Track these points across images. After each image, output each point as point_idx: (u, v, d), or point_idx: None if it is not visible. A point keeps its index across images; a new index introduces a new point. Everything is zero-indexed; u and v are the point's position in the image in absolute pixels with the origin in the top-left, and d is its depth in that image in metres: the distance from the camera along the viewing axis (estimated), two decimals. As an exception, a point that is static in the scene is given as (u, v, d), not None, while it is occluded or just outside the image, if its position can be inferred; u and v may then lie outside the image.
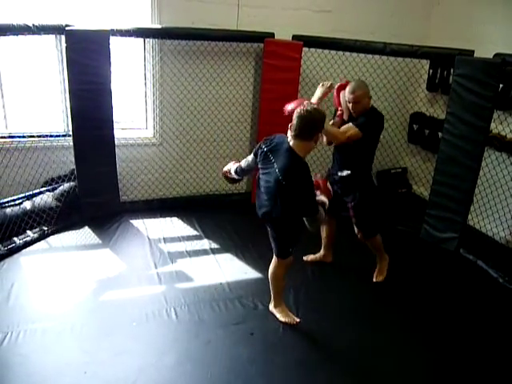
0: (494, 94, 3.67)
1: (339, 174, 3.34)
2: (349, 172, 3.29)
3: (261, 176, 2.80)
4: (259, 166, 2.77)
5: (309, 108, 2.50)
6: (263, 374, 2.63)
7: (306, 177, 2.56)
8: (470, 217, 4.21)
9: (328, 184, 2.83)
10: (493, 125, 3.91)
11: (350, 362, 2.79)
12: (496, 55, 3.72)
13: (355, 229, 3.48)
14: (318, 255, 3.87)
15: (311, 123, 2.50)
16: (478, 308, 3.42)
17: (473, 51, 3.89)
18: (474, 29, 4.49)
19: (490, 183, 4.24)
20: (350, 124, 3.11)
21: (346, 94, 3.13)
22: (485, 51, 3.83)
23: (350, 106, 3.15)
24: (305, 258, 3.85)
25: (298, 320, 3.02)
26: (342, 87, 3.24)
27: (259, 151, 2.78)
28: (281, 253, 2.94)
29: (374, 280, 3.59)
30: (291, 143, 2.59)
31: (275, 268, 3.00)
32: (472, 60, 3.81)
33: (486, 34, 4.34)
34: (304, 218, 2.70)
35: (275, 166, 2.61)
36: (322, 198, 2.69)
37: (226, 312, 3.14)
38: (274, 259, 3.00)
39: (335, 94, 3.30)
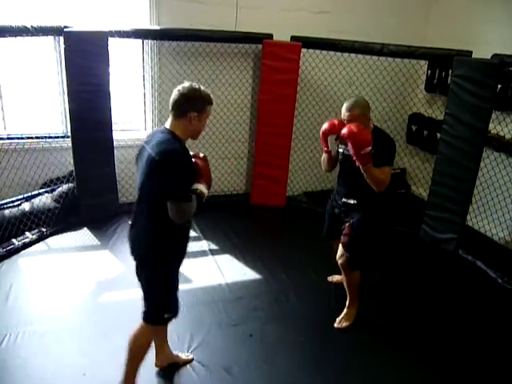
0: (493, 94, 3.68)
1: (344, 200, 2.96)
2: (355, 201, 2.91)
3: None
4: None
5: (186, 84, 2.09)
6: (262, 376, 2.63)
7: (175, 157, 2.01)
8: (468, 217, 4.21)
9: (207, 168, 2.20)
10: (491, 125, 3.92)
11: (350, 362, 2.79)
12: (494, 56, 3.73)
13: (339, 251, 2.97)
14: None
15: (183, 99, 2.07)
16: (477, 308, 3.42)
17: (471, 52, 3.89)
18: (472, 29, 4.50)
19: (488, 184, 4.25)
20: (381, 168, 2.70)
21: (342, 111, 2.77)
22: (483, 52, 3.83)
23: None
24: (329, 279, 3.60)
25: None
26: (328, 130, 2.84)
27: None
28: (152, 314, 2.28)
29: (337, 326, 3.06)
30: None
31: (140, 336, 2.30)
32: (470, 61, 3.82)
33: (484, 35, 4.35)
34: (168, 203, 2.01)
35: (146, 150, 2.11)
36: (199, 186, 2.10)
37: (225, 313, 3.14)
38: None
39: (321, 136, 2.89)
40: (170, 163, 1.98)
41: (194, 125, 2.09)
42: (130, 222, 2.26)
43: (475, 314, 3.35)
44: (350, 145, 2.63)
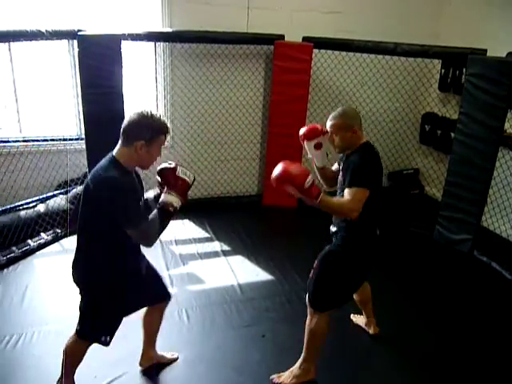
0: (508, 93, 3.62)
1: (331, 227, 2.56)
2: (335, 229, 2.49)
3: None
4: None
5: (138, 110, 2.02)
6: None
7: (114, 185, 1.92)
8: (483, 218, 4.16)
9: (180, 171, 2.11)
10: (507, 124, 3.86)
11: (362, 364, 2.77)
12: (509, 54, 3.69)
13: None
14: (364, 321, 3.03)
15: (131, 126, 2.00)
16: (492, 310, 3.38)
17: (485, 50, 3.85)
18: (486, 27, 4.45)
19: (504, 184, 4.19)
20: (347, 189, 2.23)
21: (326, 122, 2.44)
22: (498, 50, 3.79)
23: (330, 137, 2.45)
24: (354, 320, 3.12)
25: None
26: (304, 136, 2.63)
27: None
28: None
29: (275, 379, 2.55)
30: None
31: None
32: (485, 59, 3.78)
33: (498, 33, 4.30)
34: (128, 231, 1.97)
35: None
36: (167, 196, 2.05)
37: (238, 314, 3.14)
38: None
39: (301, 141, 2.67)
40: (111, 191, 1.89)
41: (140, 154, 1.97)
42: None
43: (491, 315, 3.31)
44: (290, 188, 2.16)
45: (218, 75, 4.62)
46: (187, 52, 4.44)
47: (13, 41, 3.61)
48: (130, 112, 2.01)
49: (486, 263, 3.96)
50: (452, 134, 4.27)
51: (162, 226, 2.04)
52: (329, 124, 2.40)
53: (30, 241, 3.80)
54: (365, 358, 2.84)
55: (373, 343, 2.93)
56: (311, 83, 4.69)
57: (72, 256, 3.78)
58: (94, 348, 2.76)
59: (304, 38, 4.53)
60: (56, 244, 3.93)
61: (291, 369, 2.54)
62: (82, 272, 2.16)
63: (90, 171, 4.14)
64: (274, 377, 2.55)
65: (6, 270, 3.49)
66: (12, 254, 3.61)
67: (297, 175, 2.11)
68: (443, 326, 3.15)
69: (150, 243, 2.04)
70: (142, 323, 2.50)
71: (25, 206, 3.96)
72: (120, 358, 2.66)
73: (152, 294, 2.40)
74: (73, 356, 2.26)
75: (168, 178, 2.09)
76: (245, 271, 3.69)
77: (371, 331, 2.96)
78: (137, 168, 2.13)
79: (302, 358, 2.51)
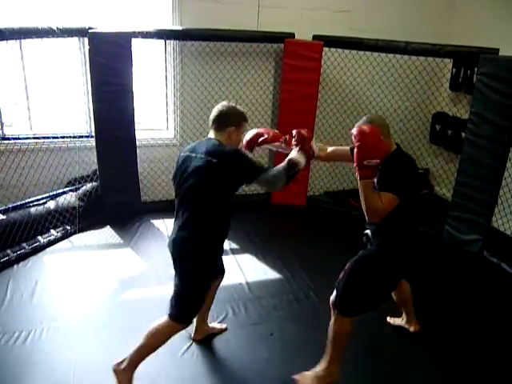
0: (520, 93, 3.60)
1: (366, 231, 2.52)
2: (368, 232, 2.47)
3: None
4: None
5: (224, 103, 2.42)
6: (282, 375, 2.61)
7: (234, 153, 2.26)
8: (494, 218, 4.13)
9: (314, 143, 2.35)
10: (518, 124, 3.83)
11: (370, 363, 2.76)
12: (521, 53, 3.65)
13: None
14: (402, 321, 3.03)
15: (227, 114, 2.36)
16: (502, 311, 3.35)
17: (497, 49, 3.81)
18: (498, 26, 4.40)
19: (514, 184, 4.15)
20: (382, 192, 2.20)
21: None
22: (510, 49, 3.75)
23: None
24: (391, 322, 3.11)
25: None
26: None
27: None
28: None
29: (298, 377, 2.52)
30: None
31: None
32: (497, 58, 3.74)
33: (510, 32, 4.25)
34: (255, 182, 2.28)
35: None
36: (296, 156, 2.29)
37: (246, 312, 3.15)
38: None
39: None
40: (237, 156, 2.25)
41: (232, 138, 2.34)
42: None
43: (500, 316, 3.28)
44: (355, 149, 2.15)
45: (227, 73, 4.62)
46: (197, 50, 4.44)
47: (24, 38, 3.63)
48: (217, 105, 2.41)
49: (496, 264, 3.92)
50: (463, 134, 4.25)
51: (287, 176, 2.25)
52: (354, 131, 2.27)
53: (39, 237, 3.83)
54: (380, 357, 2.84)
55: (381, 340, 2.92)
56: (321, 82, 4.68)
57: (82, 253, 3.82)
58: (105, 342, 2.77)
59: (314, 37, 4.52)
60: (66, 241, 3.95)
61: (314, 370, 2.50)
62: (190, 246, 2.29)
63: (99, 168, 4.22)
64: (297, 376, 2.53)
65: (15, 267, 3.51)
66: (22, 251, 3.64)
67: (377, 149, 2.12)
68: (452, 326, 3.13)
69: (279, 186, 2.28)
70: None
71: (35, 203, 3.99)
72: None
73: (218, 267, 2.63)
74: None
75: (305, 141, 2.34)
76: (253, 269, 3.69)
77: (412, 329, 2.96)
78: None
79: (325, 359, 2.47)
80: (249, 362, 2.70)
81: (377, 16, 4.80)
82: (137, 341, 2.78)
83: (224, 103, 2.40)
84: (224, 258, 3.80)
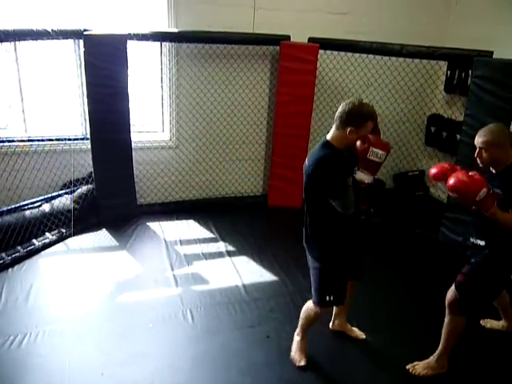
0: (514, 95, 3.61)
1: (472, 240, 2.56)
2: (483, 243, 2.49)
3: None
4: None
5: (351, 99, 2.35)
6: (279, 378, 2.61)
7: (329, 165, 2.26)
8: (489, 220, 4.14)
9: (372, 153, 2.30)
10: (512, 127, 3.85)
11: (365, 364, 2.76)
12: (516, 56, 3.67)
13: (450, 289, 2.63)
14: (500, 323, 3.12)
15: (343, 113, 2.28)
16: (496, 311, 3.36)
17: (492, 52, 3.83)
18: (492, 29, 4.42)
19: (509, 186, 4.17)
20: None
21: (476, 138, 2.49)
22: (504, 52, 3.77)
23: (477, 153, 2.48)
24: (487, 325, 3.16)
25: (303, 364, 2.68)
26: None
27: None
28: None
29: (411, 368, 2.71)
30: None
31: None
32: (491, 61, 3.76)
33: (505, 35, 4.28)
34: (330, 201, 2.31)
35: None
36: (360, 174, 2.34)
37: (242, 314, 3.14)
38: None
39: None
40: (320, 168, 2.26)
41: (350, 138, 2.28)
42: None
43: (495, 317, 3.29)
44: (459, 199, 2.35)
45: (223, 75, 4.62)
46: (193, 52, 4.44)
47: (19, 40, 3.61)
48: (345, 101, 2.33)
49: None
50: (457, 136, 4.26)
51: (357, 198, 2.33)
52: (479, 140, 2.44)
53: (34, 240, 3.81)
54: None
55: (375, 342, 2.92)
56: (317, 84, 4.69)
57: (77, 255, 3.81)
58: (101, 345, 2.77)
59: (310, 39, 4.53)
60: (61, 244, 3.93)
61: (427, 360, 2.69)
62: (314, 244, 2.49)
63: (94, 171, 4.21)
64: (409, 366, 2.70)
65: (10, 270, 3.49)
66: (17, 254, 3.62)
67: (473, 186, 2.25)
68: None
69: (346, 213, 2.30)
70: None
71: (30, 206, 3.98)
72: (126, 357, 2.66)
73: (354, 268, 2.70)
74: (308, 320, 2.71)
75: (360, 159, 2.34)
76: (249, 272, 3.68)
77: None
78: None
79: (438, 352, 2.66)
80: (245, 364, 2.69)
81: (373, 18, 4.82)
82: (132, 344, 2.78)
83: (352, 100, 2.32)
84: (220, 260, 3.85)
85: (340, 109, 2.29)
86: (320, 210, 2.38)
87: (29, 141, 4.15)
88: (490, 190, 2.27)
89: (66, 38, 3.87)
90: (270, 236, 4.39)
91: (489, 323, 3.15)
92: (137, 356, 2.69)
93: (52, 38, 3.68)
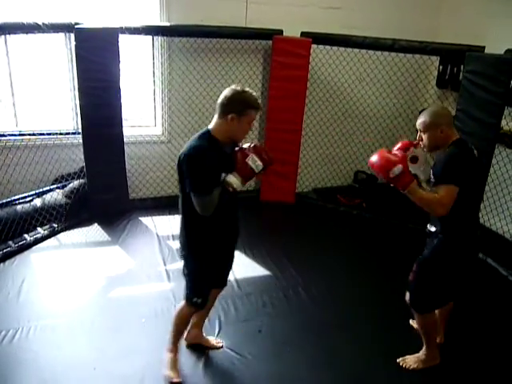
0: (505, 90, 3.62)
1: (428, 226, 2.54)
2: (433, 229, 2.47)
3: None
4: None
5: (233, 87, 2.18)
6: (271, 372, 2.63)
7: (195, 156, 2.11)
8: (480, 214, 4.16)
9: (251, 159, 2.21)
10: (503, 122, 3.87)
11: (356, 358, 2.79)
12: (507, 51, 3.68)
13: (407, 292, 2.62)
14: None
15: (224, 100, 2.14)
16: (487, 305, 3.40)
17: (483, 47, 3.85)
18: (484, 24, 4.44)
19: (500, 180, 4.20)
20: (437, 186, 2.26)
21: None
22: (496, 47, 3.79)
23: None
24: (413, 325, 3.06)
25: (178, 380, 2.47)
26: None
27: None
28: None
29: (401, 362, 2.71)
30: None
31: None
32: (482, 56, 3.78)
33: (496, 30, 4.29)
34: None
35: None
36: (230, 177, 2.18)
37: (234, 309, 3.15)
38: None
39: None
40: (190, 159, 2.10)
41: (232, 126, 2.15)
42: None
43: (486, 311, 3.33)
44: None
45: (215, 70, 4.60)
46: (185, 46, 4.42)
47: (9, 33, 3.59)
48: (227, 88, 2.18)
49: (481, 259, 3.97)
50: (449, 131, 4.27)
51: (220, 200, 2.17)
52: (417, 122, 2.39)
53: (26, 235, 3.79)
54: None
55: (367, 335, 2.94)
56: (309, 79, 4.68)
57: (69, 250, 3.81)
58: (93, 340, 2.77)
59: (302, 34, 4.52)
60: (53, 238, 3.91)
61: (417, 354, 2.69)
62: (182, 237, 2.37)
63: (86, 165, 4.19)
64: (400, 360, 2.71)
65: (2, 265, 3.47)
66: (8, 249, 3.60)
67: (385, 162, 2.22)
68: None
69: (203, 213, 2.17)
70: None
71: (21, 201, 3.96)
72: (118, 351, 2.66)
73: (221, 276, 2.60)
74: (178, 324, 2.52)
75: (237, 161, 2.21)
76: (242, 266, 3.67)
77: (438, 340, 2.84)
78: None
79: (424, 347, 2.67)
80: (238, 358, 2.70)
81: (366, 13, 4.81)
82: (124, 338, 2.79)
83: (234, 87, 2.18)
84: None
85: (221, 95, 2.16)
86: (189, 205, 2.20)
87: (20, 135, 4.11)
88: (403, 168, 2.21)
89: (57, 32, 3.85)
90: (262, 231, 4.40)
91: (414, 324, 2.99)
92: (129, 351, 2.70)
93: (43, 32, 3.64)
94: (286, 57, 4.45)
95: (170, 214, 4.51)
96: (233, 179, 2.18)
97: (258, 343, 2.84)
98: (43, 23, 3.59)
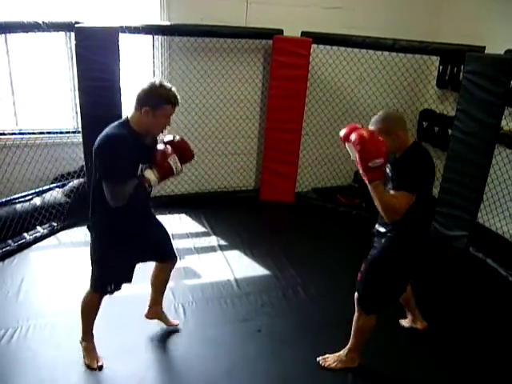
0: (505, 90, 3.63)
1: (376, 226, 2.49)
2: (383, 230, 2.41)
3: None
4: None
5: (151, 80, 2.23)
6: (270, 371, 2.63)
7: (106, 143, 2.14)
8: (479, 215, 4.17)
9: (172, 159, 2.23)
10: (503, 122, 3.88)
11: (360, 363, 2.79)
12: (507, 51, 3.69)
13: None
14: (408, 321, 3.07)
15: (140, 93, 2.19)
16: (487, 306, 3.40)
17: (483, 47, 3.85)
18: (484, 25, 4.44)
19: (500, 181, 4.21)
20: (396, 191, 2.21)
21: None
22: (496, 47, 3.79)
23: None
24: (403, 324, 3.10)
25: (98, 365, 2.52)
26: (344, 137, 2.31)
27: None
28: None
29: (321, 361, 2.68)
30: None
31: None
32: (483, 56, 3.78)
33: (497, 30, 4.29)
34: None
35: None
36: (148, 172, 2.20)
37: (234, 309, 3.15)
38: None
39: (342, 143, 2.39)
40: (104, 145, 2.12)
41: (147, 119, 2.16)
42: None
43: (485, 311, 3.33)
44: (357, 154, 2.13)
45: (216, 69, 4.60)
46: (185, 45, 4.42)
47: (9, 32, 3.58)
48: (147, 82, 2.20)
49: (481, 259, 3.98)
50: (449, 131, 4.28)
51: (134, 194, 2.17)
52: (371, 129, 2.27)
53: (25, 234, 3.79)
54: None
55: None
56: (309, 78, 4.68)
57: (68, 249, 3.80)
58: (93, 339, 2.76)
59: (303, 33, 4.52)
60: (52, 237, 3.92)
61: (338, 353, 2.66)
62: (92, 222, 2.40)
63: (86, 164, 4.18)
64: (320, 359, 2.69)
65: (1, 263, 3.47)
66: (8, 248, 3.60)
67: (377, 149, 2.10)
68: (439, 321, 3.16)
69: (113, 203, 2.15)
70: (150, 279, 2.79)
71: (21, 200, 3.95)
72: (117, 350, 2.66)
73: (158, 251, 2.64)
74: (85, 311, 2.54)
75: (157, 157, 2.22)
76: (241, 266, 3.69)
77: (419, 327, 2.97)
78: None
79: (348, 346, 2.62)
80: (237, 358, 2.70)
81: (366, 13, 4.81)
82: (123, 338, 2.78)
83: (152, 80, 2.20)
84: (212, 254, 3.85)
85: (139, 88, 2.19)
86: (100, 192, 2.19)
87: (20, 134, 4.11)
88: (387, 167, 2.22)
89: (57, 31, 3.83)
90: (262, 230, 4.40)
91: (404, 322, 3.07)
92: (129, 350, 2.70)
93: (43, 31, 3.63)
94: (286, 56, 4.45)
95: (169, 213, 4.51)
96: (151, 175, 2.19)
97: (258, 343, 2.84)
98: (43, 22, 3.58)
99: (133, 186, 2.16)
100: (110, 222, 2.31)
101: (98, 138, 2.14)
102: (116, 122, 2.22)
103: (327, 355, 2.69)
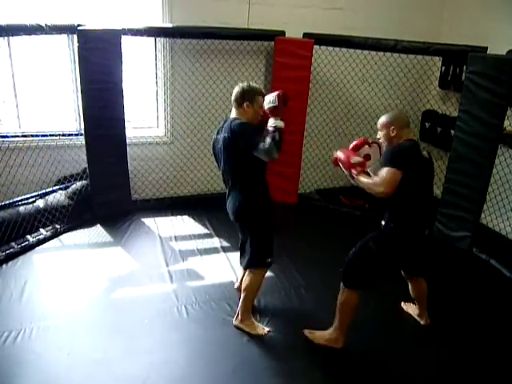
0: (508, 91, 3.62)
1: (382, 222, 2.71)
2: (382, 222, 2.68)
3: None
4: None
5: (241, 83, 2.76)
6: (276, 373, 2.62)
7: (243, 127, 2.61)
8: (483, 215, 4.17)
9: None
10: (506, 122, 3.86)
11: (356, 366, 2.78)
12: (509, 52, 3.68)
13: None
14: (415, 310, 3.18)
15: (242, 92, 2.70)
16: (490, 307, 3.39)
17: (486, 48, 3.85)
18: (487, 25, 4.44)
19: (503, 181, 4.20)
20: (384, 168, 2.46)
21: None
22: (498, 48, 3.79)
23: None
24: (404, 307, 3.27)
25: (266, 331, 2.89)
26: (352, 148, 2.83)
27: None
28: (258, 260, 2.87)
29: (308, 334, 2.86)
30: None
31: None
32: (485, 57, 3.77)
33: (499, 31, 4.29)
34: (254, 153, 2.58)
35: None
36: (274, 122, 2.61)
37: (235, 309, 3.14)
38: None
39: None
40: (240, 129, 2.58)
41: (248, 112, 2.69)
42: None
43: (488, 312, 3.32)
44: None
45: (218, 71, 4.60)
46: (187, 47, 4.42)
47: (12, 35, 3.58)
48: (236, 86, 2.74)
49: (484, 260, 3.97)
50: (452, 132, 4.27)
51: (275, 142, 2.55)
52: (378, 122, 2.73)
53: (29, 236, 3.80)
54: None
55: (372, 337, 2.94)
56: (311, 80, 4.68)
57: (71, 251, 3.81)
58: (95, 341, 2.76)
59: (305, 35, 4.52)
60: (55, 240, 3.92)
61: (325, 331, 2.80)
62: (240, 209, 2.80)
63: (89, 166, 4.20)
64: (307, 331, 2.85)
65: (4, 266, 3.48)
66: (11, 250, 3.61)
67: (343, 162, 2.66)
68: (442, 322, 3.16)
69: (272, 157, 2.56)
70: None
71: (24, 202, 3.96)
72: (120, 352, 2.66)
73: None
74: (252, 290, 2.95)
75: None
76: (244, 267, 3.68)
77: (423, 322, 3.10)
78: None
79: (333, 326, 2.77)
80: (240, 359, 2.70)
81: (368, 14, 4.82)
82: (127, 339, 2.78)
83: (240, 83, 2.74)
84: (215, 255, 3.85)
85: (234, 92, 2.71)
86: (246, 170, 2.70)
87: (23, 136, 4.12)
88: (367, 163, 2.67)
89: (60, 33, 3.85)
90: (264, 232, 4.39)
91: (407, 306, 3.25)
92: (132, 352, 2.70)
93: (46, 33, 3.65)
94: (288, 58, 4.45)
95: (172, 215, 4.52)
96: (278, 122, 2.61)
97: (261, 344, 2.83)
98: (46, 25, 3.60)
99: (270, 139, 2.52)
100: (259, 205, 2.80)
101: (233, 124, 2.60)
102: (228, 121, 2.68)
103: (314, 330, 2.84)
